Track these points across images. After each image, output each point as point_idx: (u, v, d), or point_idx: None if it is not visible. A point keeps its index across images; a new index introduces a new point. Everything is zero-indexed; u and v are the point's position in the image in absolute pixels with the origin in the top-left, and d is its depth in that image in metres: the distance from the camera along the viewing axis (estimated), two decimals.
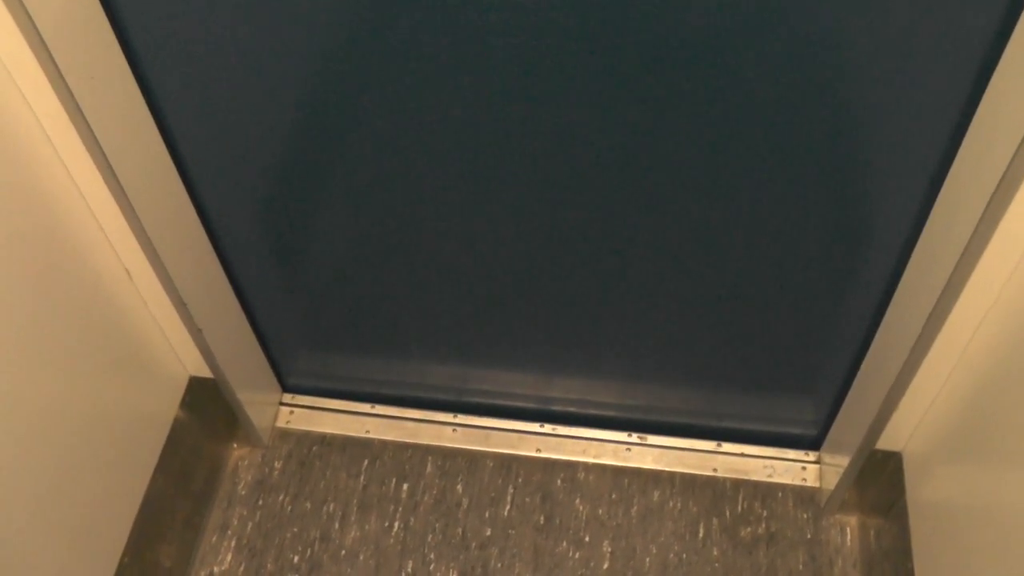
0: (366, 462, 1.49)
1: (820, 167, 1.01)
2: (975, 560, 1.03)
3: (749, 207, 1.07)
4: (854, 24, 0.85)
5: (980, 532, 1.02)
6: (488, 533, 1.42)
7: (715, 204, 1.08)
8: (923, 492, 1.21)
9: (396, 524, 1.43)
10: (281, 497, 1.46)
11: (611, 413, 1.47)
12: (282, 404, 1.55)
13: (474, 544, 1.41)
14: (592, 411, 1.48)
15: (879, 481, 1.30)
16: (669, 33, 0.89)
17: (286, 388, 1.56)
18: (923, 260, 1.03)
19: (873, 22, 0.85)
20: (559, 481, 1.46)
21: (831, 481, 1.37)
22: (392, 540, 1.42)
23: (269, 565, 1.40)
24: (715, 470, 1.45)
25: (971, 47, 0.85)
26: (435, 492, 1.46)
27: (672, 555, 1.38)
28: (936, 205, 0.99)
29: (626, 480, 1.46)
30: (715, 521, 1.41)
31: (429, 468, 1.48)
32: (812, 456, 1.45)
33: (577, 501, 1.44)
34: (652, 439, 1.48)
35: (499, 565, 1.39)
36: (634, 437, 1.48)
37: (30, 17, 0.85)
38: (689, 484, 1.45)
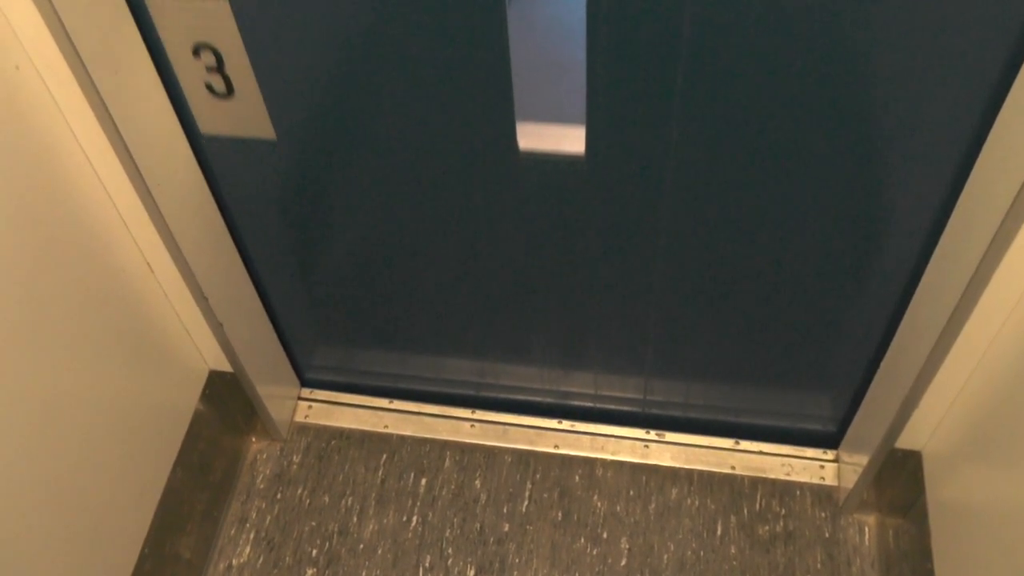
0: (384, 456, 1.50)
1: (842, 163, 1.00)
2: (997, 563, 1.02)
3: (770, 205, 1.07)
4: (884, 34, 0.85)
5: (1002, 534, 1.01)
6: (506, 528, 1.42)
7: (737, 202, 1.08)
8: (943, 492, 1.21)
9: (414, 518, 1.43)
10: (299, 490, 1.47)
11: (629, 409, 1.47)
12: (300, 399, 1.56)
13: (492, 539, 1.41)
14: (610, 407, 1.48)
15: (898, 480, 1.29)
16: (703, 32, 0.89)
17: (305, 383, 1.57)
18: (946, 256, 1.03)
19: (898, 32, 0.85)
20: (577, 477, 1.46)
21: (850, 480, 1.36)
22: (410, 534, 1.42)
23: (287, 558, 1.40)
24: (733, 468, 1.45)
25: (1000, 38, 0.85)
26: (453, 487, 1.46)
27: (689, 552, 1.38)
28: (959, 203, 0.98)
29: (644, 477, 1.45)
30: (733, 519, 1.41)
31: (447, 463, 1.48)
32: (831, 454, 1.45)
33: (595, 497, 1.44)
34: (670, 436, 1.48)
35: (517, 560, 1.39)
36: (652, 434, 1.48)
37: (55, 11, 0.86)
38: (707, 482, 1.44)
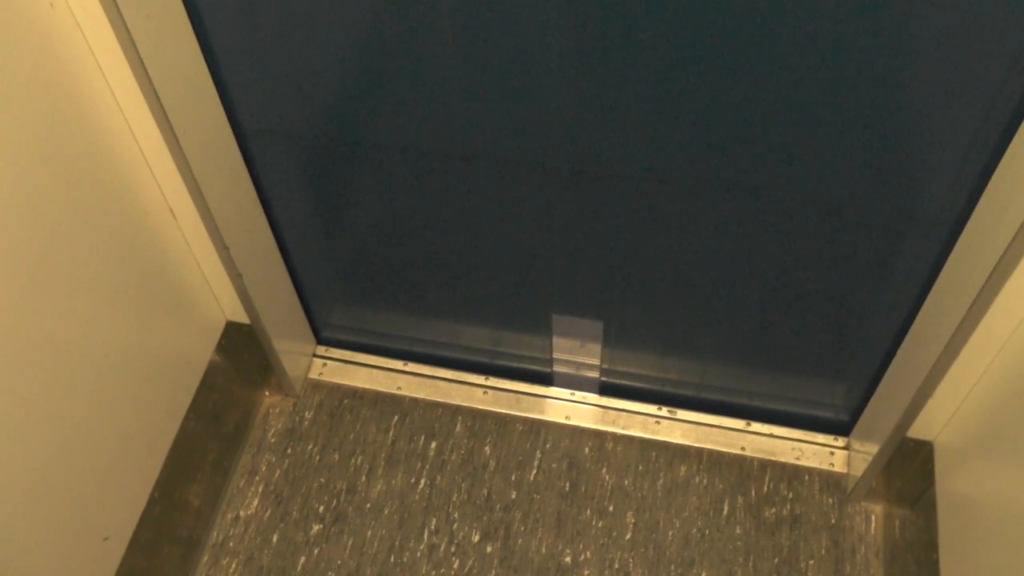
0: (396, 418, 1.50)
1: (864, 150, 1.00)
2: (1005, 559, 1.02)
3: (792, 189, 1.06)
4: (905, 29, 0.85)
5: (1012, 531, 1.01)
6: (513, 496, 1.42)
7: (759, 188, 1.07)
8: (953, 484, 1.20)
9: (422, 481, 1.44)
10: (310, 446, 1.48)
11: (643, 385, 1.47)
12: (316, 356, 1.57)
13: (498, 506, 1.41)
14: (624, 382, 1.48)
15: (908, 471, 1.29)
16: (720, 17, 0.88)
17: (321, 340, 1.57)
18: (968, 247, 1.02)
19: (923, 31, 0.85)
20: (587, 450, 1.46)
21: (859, 468, 1.36)
22: (417, 496, 1.43)
23: (294, 512, 1.41)
24: (743, 449, 1.45)
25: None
26: (463, 452, 1.46)
27: (695, 530, 1.38)
28: (983, 196, 0.97)
29: (654, 453, 1.45)
30: (740, 499, 1.41)
31: (458, 428, 1.49)
32: (841, 441, 1.44)
33: (603, 471, 1.44)
34: (682, 414, 1.48)
35: (522, 528, 1.39)
36: (664, 411, 1.48)
37: None
38: (716, 461, 1.44)
